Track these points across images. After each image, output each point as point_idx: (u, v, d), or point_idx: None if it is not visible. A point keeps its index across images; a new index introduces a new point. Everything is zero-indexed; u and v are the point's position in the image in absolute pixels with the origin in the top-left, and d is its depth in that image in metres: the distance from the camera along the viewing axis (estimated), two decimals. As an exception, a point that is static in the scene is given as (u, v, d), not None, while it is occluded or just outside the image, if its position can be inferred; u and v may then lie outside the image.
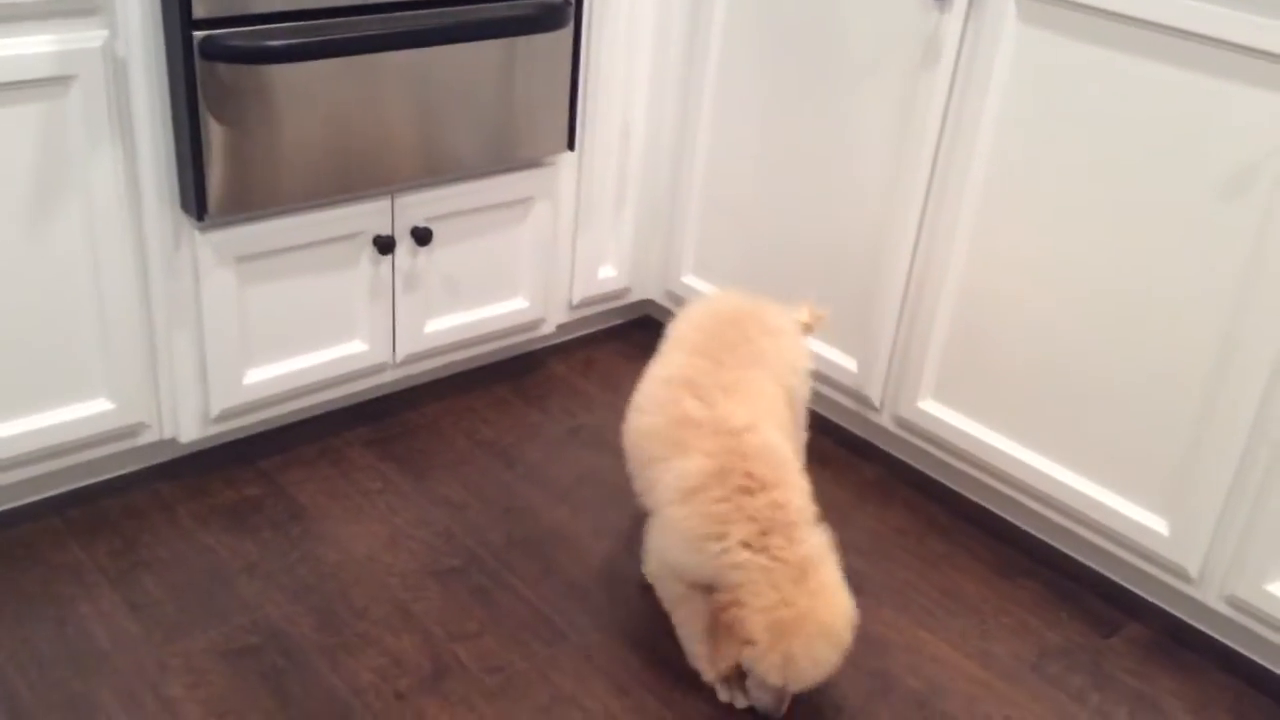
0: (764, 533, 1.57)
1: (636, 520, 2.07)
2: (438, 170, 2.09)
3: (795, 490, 1.63)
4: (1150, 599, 1.97)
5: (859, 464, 2.27)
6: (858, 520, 2.12)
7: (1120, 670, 1.83)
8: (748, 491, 1.59)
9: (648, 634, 1.82)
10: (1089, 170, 1.83)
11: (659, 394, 1.73)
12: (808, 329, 1.95)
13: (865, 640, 1.81)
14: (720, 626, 1.59)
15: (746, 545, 1.57)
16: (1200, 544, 1.81)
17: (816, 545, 1.60)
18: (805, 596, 1.55)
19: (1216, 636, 1.90)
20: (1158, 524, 1.86)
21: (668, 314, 2.67)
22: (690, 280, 2.53)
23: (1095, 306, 1.87)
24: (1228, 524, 1.78)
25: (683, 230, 2.51)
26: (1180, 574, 1.85)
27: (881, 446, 2.32)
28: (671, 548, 1.65)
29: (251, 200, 1.88)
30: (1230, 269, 1.71)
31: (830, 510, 2.10)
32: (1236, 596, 1.79)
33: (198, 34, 1.73)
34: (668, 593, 1.73)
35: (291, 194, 1.92)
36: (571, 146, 2.26)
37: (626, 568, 1.95)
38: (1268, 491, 1.72)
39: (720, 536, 1.58)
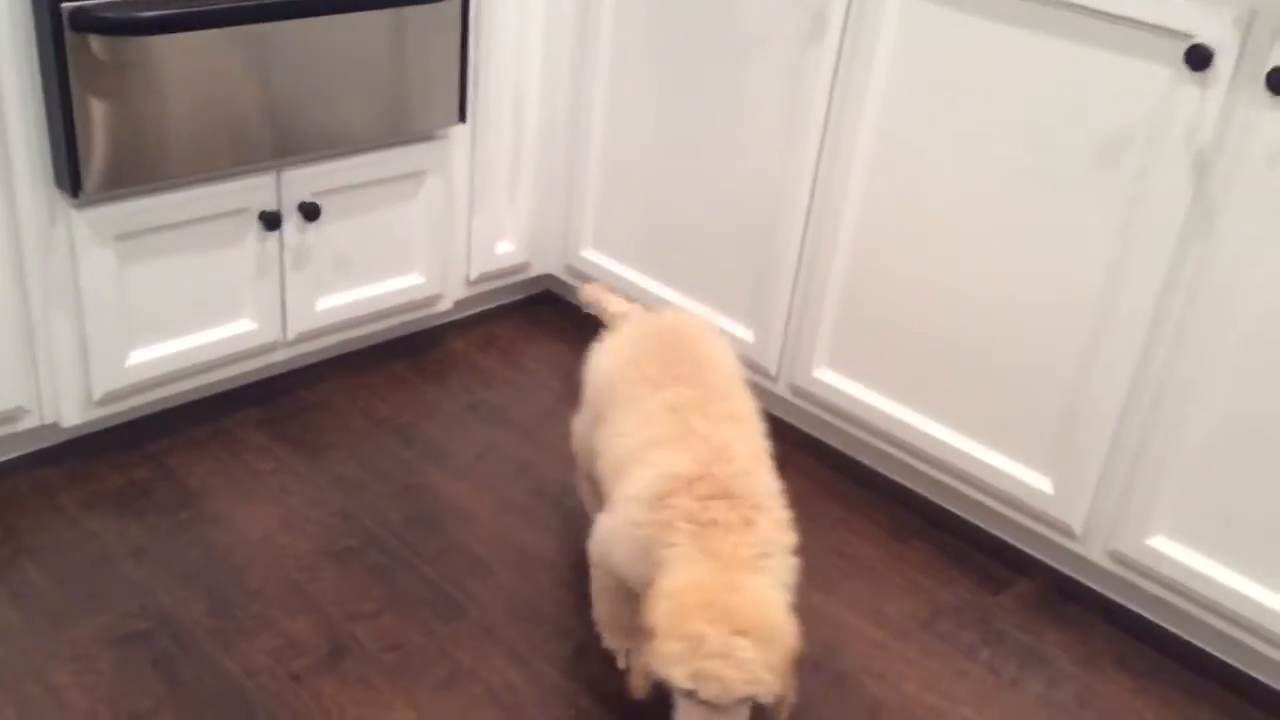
0: (711, 526, 1.41)
1: (537, 495, 2.06)
2: (324, 144, 2.05)
3: (774, 525, 1.46)
4: (1037, 556, 2.03)
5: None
6: (756, 488, 2.14)
7: (1009, 625, 1.88)
8: (712, 497, 1.44)
9: (549, 607, 1.82)
10: (972, 140, 1.87)
11: (660, 416, 1.57)
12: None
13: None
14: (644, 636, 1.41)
15: (672, 544, 1.42)
16: (1083, 501, 1.87)
17: (769, 564, 1.41)
18: (724, 588, 1.36)
19: (1101, 590, 1.97)
20: (1043, 483, 1.91)
21: (568, 289, 2.66)
22: (590, 254, 2.52)
23: (979, 273, 1.91)
24: (1109, 481, 1.84)
25: (581, 204, 2.50)
26: (1065, 531, 1.91)
27: (778, 414, 2.35)
28: (616, 549, 1.52)
29: (129, 176, 1.82)
30: (1106, 233, 1.76)
31: (729, 479, 2.11)
32: (1119, 551, 1.85)
33: (67, 5, 1.67)
34: (597, 580, 1.63)
35: (171, 169, 1.87)
36: (463, 118, 2.23)
37: (527, 542, 1.95)
38: (1145, 450, 1.78)
39: (663, 542, 1.43)
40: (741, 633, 1.32)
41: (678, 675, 1.32)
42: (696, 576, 1.37)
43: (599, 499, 1.73)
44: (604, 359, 1.74)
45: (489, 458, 2.15)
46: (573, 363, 2.48)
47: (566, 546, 1.95)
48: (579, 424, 1.83)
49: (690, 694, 1.33)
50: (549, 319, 2.62)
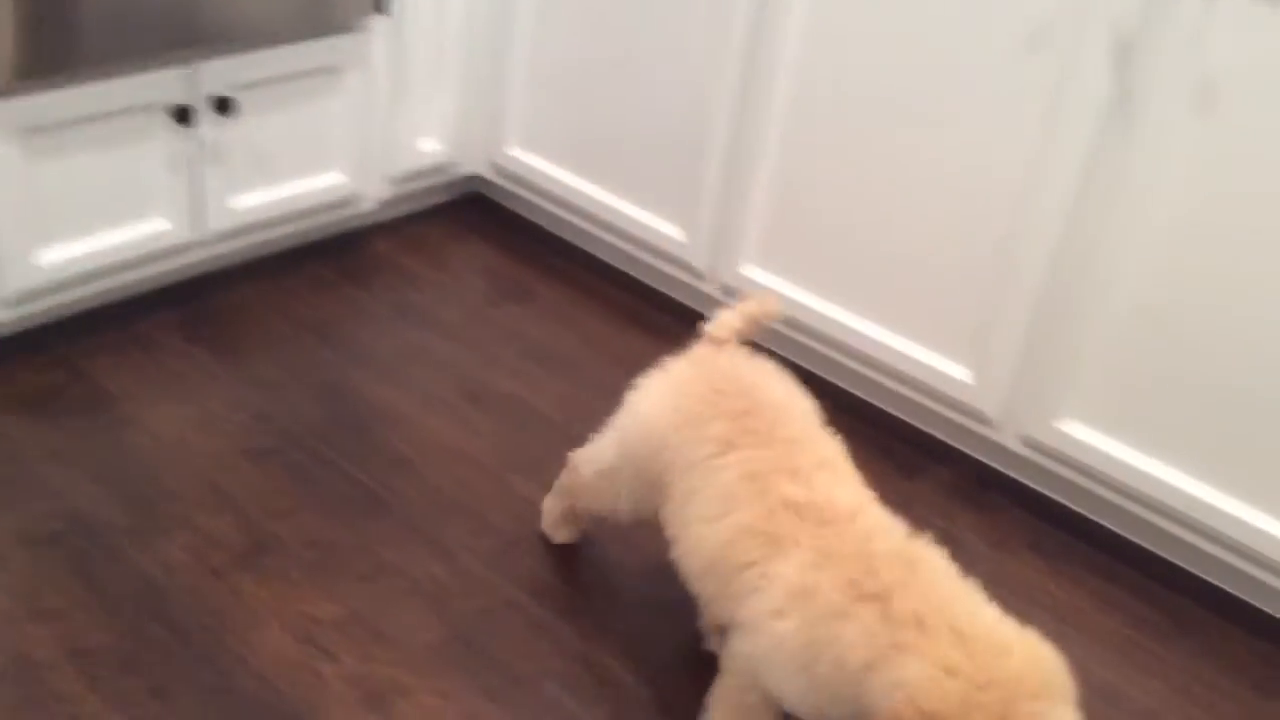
0: (894, 592, 1.26)
1: (463, 394, 2.06)
2: (238, 36, 1.98)
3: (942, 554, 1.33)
4: (955, 445, 2.06)
5: (684, 331, 2.29)
6: (683, 385, 2.15)
7: (925, 510, 1.92)
8: (866, 575, 1.28)
9: (475, 503, 1.82)
10: (896, 32, 1.85)
11: (739, 491, 1.38)
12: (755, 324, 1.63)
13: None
14: None
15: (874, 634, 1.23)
16: (1000, 389, 1.90)
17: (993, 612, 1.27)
18: (989, 653, 1.18)
19: (1016, 477, 2.01)
20: (962, 373, 1.94)
21: (496, 189, 2.63)
22: (517, 154, 2.49)
23: (902, 169, 1.91)
24: (1025, 369, 1.87)
25: (508, 101, 2.45)
26: (980, 418, 1.94)
27: (705, 313, 2.34)
28: (777, 670, 1.31)
29: (36, 67, 1.76)
30: (1026, 126, 1.76)
31: (655, 376, 2.12)
32: (1032, 437, 1.89)
33: (-47, -117, 1.60)
34: (736, 698, 1.41)
35: (79, 60, 1.81)
36: (382, 9, 2.17)
37: (453, 441, 1.95)
38: (1057, 337, 1.81)
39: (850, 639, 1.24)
40: (1057, 703, 1.16)
41: None
42: (959, 654, 1.17)
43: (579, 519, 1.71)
44: (652, 408, 1.53)
45: (415, 360, 2.13)
46: (500, 263, 2.46)
47: (492, 444, 1.95)
48: (597, 465, 1.61)
49: None
50: (476, 221, 2.59)
